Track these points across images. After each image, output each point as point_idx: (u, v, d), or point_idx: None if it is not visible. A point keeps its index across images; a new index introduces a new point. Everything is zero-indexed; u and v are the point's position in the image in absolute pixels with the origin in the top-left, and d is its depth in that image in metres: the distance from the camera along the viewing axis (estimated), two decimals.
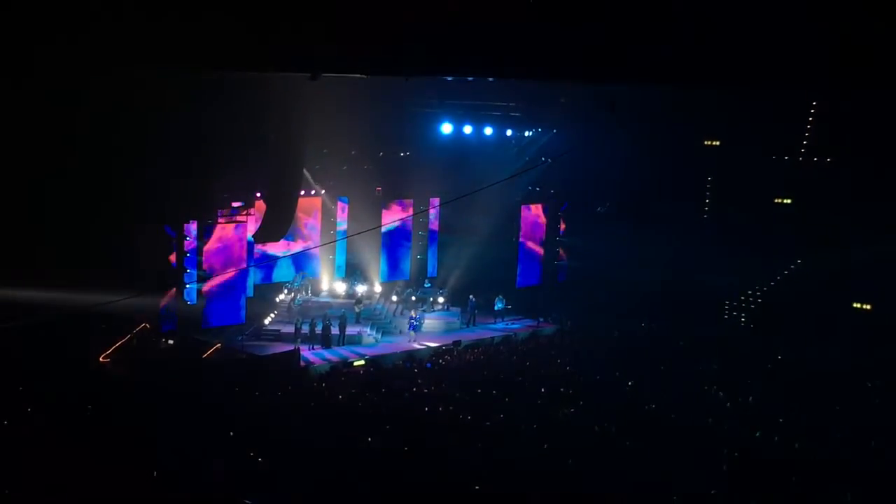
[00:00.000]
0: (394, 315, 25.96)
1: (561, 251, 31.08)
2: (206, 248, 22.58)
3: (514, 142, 29.49)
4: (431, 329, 25.49)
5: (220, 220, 23.07)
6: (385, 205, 28.39)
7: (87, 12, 11.61)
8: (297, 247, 27.15)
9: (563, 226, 30.47)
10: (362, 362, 21.80)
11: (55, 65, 14.56)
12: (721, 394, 18.98)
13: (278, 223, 23.59)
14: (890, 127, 25.01)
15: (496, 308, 27.43)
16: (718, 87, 21.00)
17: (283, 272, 27.17)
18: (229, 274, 23.04)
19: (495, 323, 26.97)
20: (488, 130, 28.35)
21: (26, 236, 18.35)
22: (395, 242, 28.98)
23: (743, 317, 28.20)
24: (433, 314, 26.74)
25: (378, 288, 27.66)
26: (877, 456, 15.11)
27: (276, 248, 26.17)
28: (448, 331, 25.74)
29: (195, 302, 22.66)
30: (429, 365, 21.45)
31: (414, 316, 24.72)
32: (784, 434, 16.01)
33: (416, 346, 23.65)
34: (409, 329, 24.39)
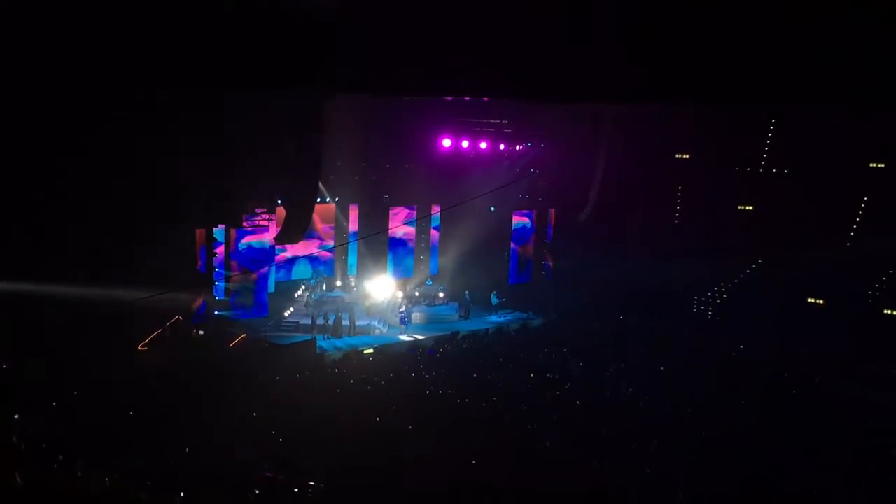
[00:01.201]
0: (399, 309, 26.07)
1: (547, 252, 31.17)
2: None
3: (506, 155, 29.63)
4: (423, 322, 25.47)
5: (244, 225, 23.16)
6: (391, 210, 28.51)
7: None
8: (315, 249, 27.34)
9: (552, 222, 30.52)
10: (371, 350, 21.90)
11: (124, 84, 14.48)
12: (688, 379, 19.08)
13: (296, 227, 23.64)
14: (837, 143, 25.32)
15: (493, 303, 27.53)
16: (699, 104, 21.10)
17: (301, 270, 27.29)
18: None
19: (490, 316, 27.04)
20: (483, 144, 28.49)
21: (76, 239, 18.39)
22: (400, 245, 29.11)
23: (710, 311, 28.30)
24: (426, 309, 26.79)
25: (385, 285, 27.76)
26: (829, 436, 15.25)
27: (297, 250, 26.30)
28: (439, 323, 25.66)
29: (223, 297, 22.76)
30: (431, 351, 21.51)
31: (404, 310, 24.67)
32: (749, 417, 16.12)
33: (406, 338, 23.51)
34: (399, 322, 24.29)
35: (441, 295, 27.77)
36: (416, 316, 25.62)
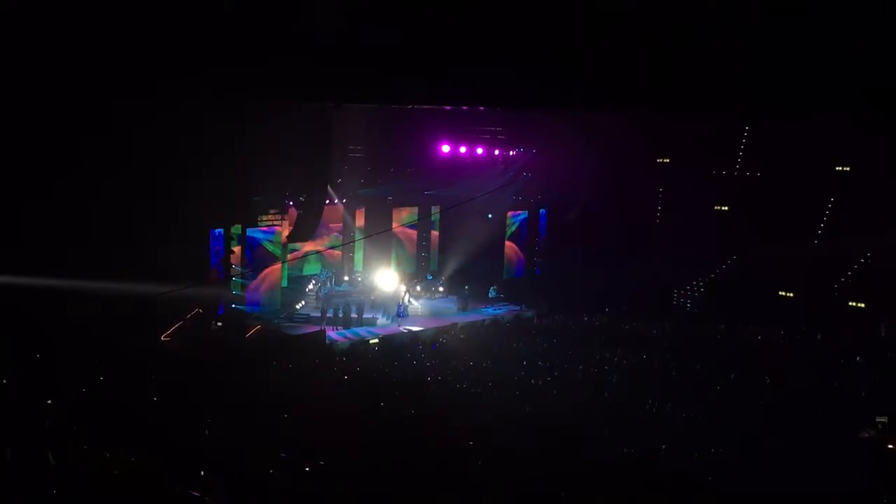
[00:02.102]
0: (401, 303, 25.96)
1: (539, 250, 31.17)
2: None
3: (501, 159, 29.62)
4: (425, 315, 25.34)
5: (259, 224, 23.14)
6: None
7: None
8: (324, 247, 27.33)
9: (544, 222, 30.54)
10: (376, 340, 21.86)
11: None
12: (668, 362, 19.10)
13: (307, 227, 23.67)
14: (806, 148, 25.38)
15: (490, 296, 27.52)
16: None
17: (311, 267, 27.27)
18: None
19: (486, 308, 27.03)
20: (480, 150, 28.47)
21: (110, 240, 18.40)
22: (403, 242, 29.11)
23: (689, 303, 28.31)
24: (427, 302, 26.71)
25: (390, 279, 27.75)
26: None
27: (307, 247, 26.30)
28: (438, 315, 25.50)
29: (240, 292, 22.73)
30: (434, 347, 21.42)
31: (401, 304, 24.52)
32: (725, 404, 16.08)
33: (402, 329, 23.17)
34: (396, 315, 24.08)
35: (441, 289, 27.76)
36: (417, 308, 25.57)
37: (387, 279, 26.82)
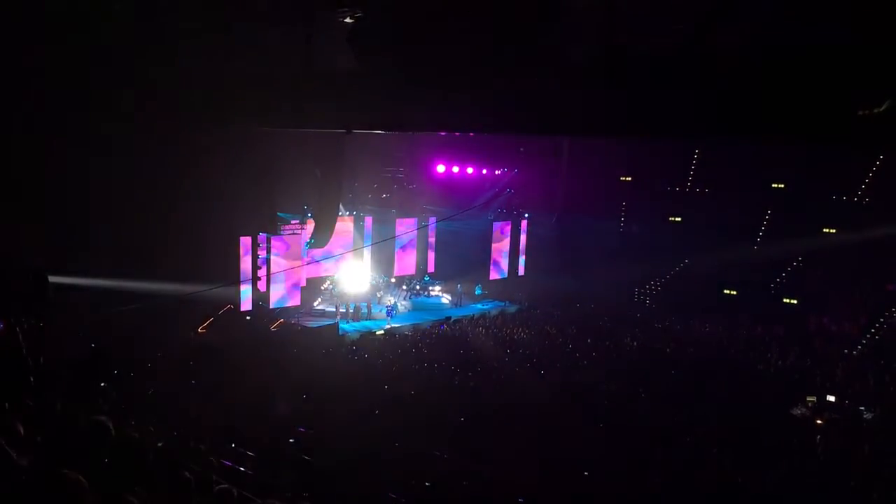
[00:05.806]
0: (403, 300, 25.90)
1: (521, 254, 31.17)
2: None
3: (488, 177, 29.67)
4: (423, 310, 25.24)
5: (282, 232, 23.09)
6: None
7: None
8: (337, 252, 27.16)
9: (524, 231, 30.56)
10: (382, 332, 21.86)
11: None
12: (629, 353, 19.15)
13: (323, 235, 23.57)
14: (748, 167, 25.52)
15: (477, 293, 27.51)
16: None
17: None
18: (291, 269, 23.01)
19: (476, 304, 27.02)
20: (470, 170, 28.53)
21: (151, 245, 18.31)
22: (404, 248, 29.05)
23: (647, 299, 28.40)
24: (426, 299, 26.59)
25: (392, 281, 27.74)
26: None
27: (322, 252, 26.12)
28: (436, 311, 25.36)
29: (265, 290, 22.62)
30: (441, 327, 21.27)
31: (390, 305, 24.22)
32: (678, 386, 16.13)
33: (389, 327, 22.59)
34: (386, 315, 23.61)
35: (437, 289, 27.76)
36: (408, 304, 25.34)
37: (391, 280, 26.65)
